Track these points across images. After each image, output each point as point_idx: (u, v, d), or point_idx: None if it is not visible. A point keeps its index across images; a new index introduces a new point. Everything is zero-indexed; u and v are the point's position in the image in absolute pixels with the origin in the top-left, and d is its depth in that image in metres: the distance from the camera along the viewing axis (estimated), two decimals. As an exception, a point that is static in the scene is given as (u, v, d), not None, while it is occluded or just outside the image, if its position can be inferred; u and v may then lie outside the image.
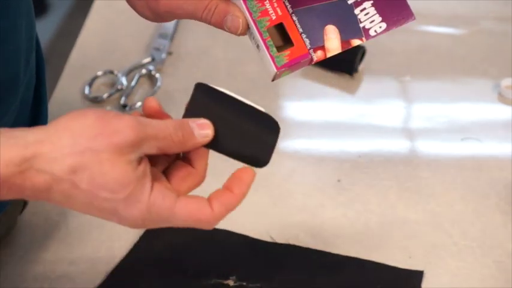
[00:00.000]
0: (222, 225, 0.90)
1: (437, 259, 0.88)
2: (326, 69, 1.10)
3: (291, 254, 0.88)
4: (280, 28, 0.73)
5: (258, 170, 0.97)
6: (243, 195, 0.66)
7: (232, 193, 0.65)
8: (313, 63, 0.72)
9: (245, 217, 0.92)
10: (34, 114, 0.86)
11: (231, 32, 0.73)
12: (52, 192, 0.61)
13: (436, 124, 1.04)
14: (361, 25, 0.72)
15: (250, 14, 0.72)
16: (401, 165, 0.99)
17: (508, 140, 1.01)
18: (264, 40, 0.72)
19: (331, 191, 0.95)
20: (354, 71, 1.09)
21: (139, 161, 0.62)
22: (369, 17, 0.73)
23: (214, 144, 0.66)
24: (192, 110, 0.66)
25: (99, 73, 1.09)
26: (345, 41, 0.72)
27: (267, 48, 0.72)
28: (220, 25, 0.73)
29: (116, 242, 0.89)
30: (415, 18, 0.73)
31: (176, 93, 1.08)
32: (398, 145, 1.02)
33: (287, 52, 0.72)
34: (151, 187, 0.63)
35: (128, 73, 1.09)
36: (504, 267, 0.87)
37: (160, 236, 0.89)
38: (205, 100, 0.66)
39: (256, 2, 0.72)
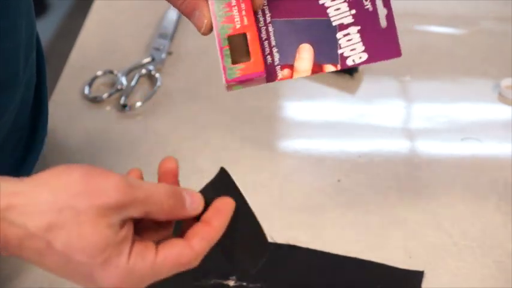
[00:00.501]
0: (222, 225, 0.91)
1: (437, 259, 0.88)
2: (326, 69, 1.10)
3: (291, 254, 0.88)
4: (245, 39, 0.66)
5: (258, 171, 0.97)
6: (223, 228, 0.63)
7: (211, 226, 0.62)
8: (276, 81, 0.67)
9: (245, 217, 0.92)
10: (34, 114, 0.86)
11: (196, 28, 0.69)
12: (23, 249, 0.57)
13: (436, 124, 1.04)
14: (340, 51, 0.66)
15: (215, 18, 0.67)
16: (401, 165, 0.98)
17: (508, 140, 1.01)
18: (221, 48, 0.67)
19: (331, 191, 0.95)
20: (353, 70, 1.09)
21: (123, 224, 0.58)
22: (351, 43, 0.67)
23: None
24: (207, 189, 0.65)
25: (99, 73, 1.09)
26: (317, 64, 0.66)
27: (222, 57, 0.67)
28: (188, 16, 0.69)
29: (116, 242, 0.89)
30: (401, 55, 0.67)
31: (176, 93, 1.08)
32: (399, 145, 1.02)
33: (242, 66, 0.66)
34: (130, 251, 0.59)
35: (128, 73, 1.09)
36: (504, 267, 0.87)
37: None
38: (220, 187, 0.65)
39: (224, 6, 0.66)
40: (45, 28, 2.34)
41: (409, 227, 0.91)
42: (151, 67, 1.10)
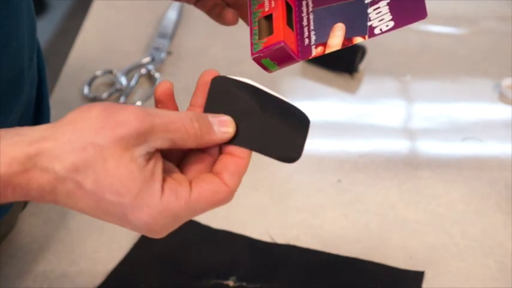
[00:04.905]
0: (222, 225, 0.90)
1: (438, 259, 0.88)
2: (326, 68, 1.10)
3: (291, 254, 0.88)
4: (271, 19, 0.73)
5: (258, 171, 0.97)
6: (249, 155, 0.60)
7: (237, 157, 0.60)
8: (310, 57, 0.71)
9: (245, 217, 0.92)
10: (37, 113, 0.86)
11: None
12: (57, 194, 0.57)
13: (436, 124, 1.04)
14: (369, 23, 0.72)
15: (250, 6, 0.74)
16: (401, 165, 0.98)
17: (508, 140, 1.01)
18: (251, 29, 0.72)
19: (331, 191, 0.95)
20: (354, 70, 1.09)
21: (148, 157, 0.57)
22: (379, 15, 0.72)
23: (237, 140, 0.60)
24: (210, 107, 0.61)
25: (99, 73, 1.09)
26: (347, 38, 0.72)
27: (251, 36, 0.72)
28: None
29: (116, 242, 0.89)
30: (426, 17, 0.70)
31: (176, 93, 1.07)
32: (399, 145, 1.02)
33: (265, 40, 0.71)
34: (162, 188, 0.57)
35: (128, 73, 1.09)
36: (505, 268, 0.87)
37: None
38: (225, 94, 0.61)
39: None
40: (45, 28, 2.33)
41: (409, 227, 0.91)
42: (151, 67, 1.10)
